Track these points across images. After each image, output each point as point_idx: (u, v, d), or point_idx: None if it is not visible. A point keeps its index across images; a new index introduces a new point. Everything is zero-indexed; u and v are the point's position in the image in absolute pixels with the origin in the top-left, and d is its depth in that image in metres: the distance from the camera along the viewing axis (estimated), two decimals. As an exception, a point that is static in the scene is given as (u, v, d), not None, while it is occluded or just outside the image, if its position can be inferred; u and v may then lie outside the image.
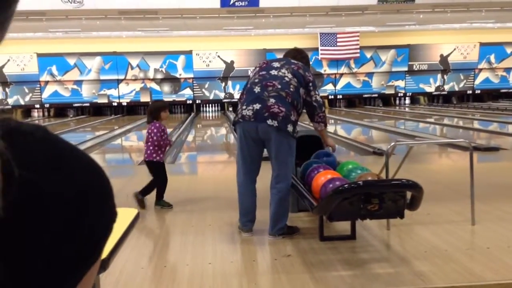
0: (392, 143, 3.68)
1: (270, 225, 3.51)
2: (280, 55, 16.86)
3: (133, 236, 3.52)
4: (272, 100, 3.36)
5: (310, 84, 3.57)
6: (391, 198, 2.88)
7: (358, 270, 2.89)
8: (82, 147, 9.07)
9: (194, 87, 18.89)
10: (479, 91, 19.88)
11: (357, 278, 2.78)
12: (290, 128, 3.34)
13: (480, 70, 19.79)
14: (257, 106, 3.37)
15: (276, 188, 3.46)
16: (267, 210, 3.59)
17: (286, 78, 3.46)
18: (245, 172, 3.57)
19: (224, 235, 3.61)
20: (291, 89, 3.43)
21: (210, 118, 17.56)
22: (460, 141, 4.76)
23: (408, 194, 3.01)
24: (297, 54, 3.87)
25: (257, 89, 3.45)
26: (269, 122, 3.32)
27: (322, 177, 3.26)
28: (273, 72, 3.51)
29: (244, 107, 3.47)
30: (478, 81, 19.90)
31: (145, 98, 18.82)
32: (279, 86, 3.41)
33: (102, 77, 18.59)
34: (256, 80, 3.52)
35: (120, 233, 1.39)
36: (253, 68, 3.78)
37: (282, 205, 3.47)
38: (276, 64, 3.59)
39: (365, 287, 2.67)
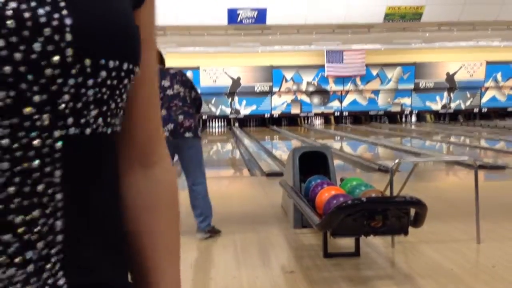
0: (397, 160, 3.68)
1: (200, 223, 3.88)
2: (286, 72, 17.16)
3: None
4: (180, 117, 3.80)
5: (193, 84, 4.06)
6: (395, 215, 2.88)
7: (361, 287, 2.87)
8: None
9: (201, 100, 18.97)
10: (485, 110, 19.83)
11: (361, 295, 2.76)
12: (199, 133, 3.93)
13: (487, 88, 19.77)
14: (170, 126, 3.76)
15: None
16: (269, 225, 3.59)
17: (181, 94, 3.87)
18: None
19: (226, 251, 3.61)
20: (188, 101, 3.90)
21: (216, 133, 17.61)
22: (465, 158, 4.75)
23: (412, 211, 3.00)
24: (161, 57, 4.05)
25: (163, 112, 3.82)
26: (186, 134, 3.79)
27: (326, 193, 3.26)
28: (169, 92, 3.85)
29: None
30: (484, 99, 19.86)
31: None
32: (180, 103, 3.84)
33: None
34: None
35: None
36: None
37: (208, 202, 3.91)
38: (166, 83, 3.87)
39: (369, 304, 2.65)
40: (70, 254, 0.49)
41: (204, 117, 18.85)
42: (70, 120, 0.47)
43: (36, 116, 0.44)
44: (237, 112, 19.00)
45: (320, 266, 3.22)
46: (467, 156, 4.71)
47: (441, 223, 4.08)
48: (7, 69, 0.43)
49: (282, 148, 11.97)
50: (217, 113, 19.02)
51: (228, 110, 19.03)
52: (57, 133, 0.46)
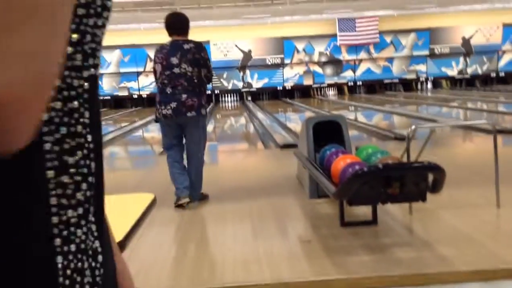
0: (413, 126, 3.61)
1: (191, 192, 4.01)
2: (297, 42, 16.90)
3: (153, 223, 3.55)
4: (184, 96, 3.84)
5: (208, 61, 4.06)
6: (413, 181, 2.83)
7: (379, 255, 2.85)
8: (104, 138, 9.14)
9: (213, 77, 18.85)
10: (503, 74, 19.38)
11: (379, 262, 2.74)
12: (203, 111, 4.00)
13: (504, 52, 19.27)
14: (173, 104, 3.84)
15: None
16: (285, 197, 3.57)
17: (188, 74, 3.86)
18: None
19: (243, 222, 3.61)
20: (195, 81, 3.91)
21: (229, 108, 17.56)
22: (483, 122, 4.65)
23: (430, 178, 2.95)
24: (179, 25, 4.02)
25: (169, 90, 3.87)
26: (189, 114, 3.86)
27: (342, 161, 3.22)
28: (176, 70, 3.86)
29: (163, 106, 3.88)
30: (502, 63, 19.39)
31: (164, 90, 18.89)
32: (186, 84, 3.85)
33: (122, 70, 18.74)
34: (166, 81, 3.88)
35: (137, 217, 1.39)
36: (155, 62, 4.00)
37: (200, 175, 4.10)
38: (175, 61, 3.86)
39: (387, 271, 2.63)
40: (97, 199, 0.50)
41: (217, 91, 18.78)
42: (91, 61, 0.48)
43: (73, 56, 0.46)
44: (249, 85, 18.87)
45: (337, 235, 3.21)
46: (485, 120, 4.60)
47: (460, 189, 4.02)
48: None
49: (296, 120, 11.89)
50: (229, 87, 18.91)
51: (240, 84, 18.90)
52: (86, 74, 0.47)
